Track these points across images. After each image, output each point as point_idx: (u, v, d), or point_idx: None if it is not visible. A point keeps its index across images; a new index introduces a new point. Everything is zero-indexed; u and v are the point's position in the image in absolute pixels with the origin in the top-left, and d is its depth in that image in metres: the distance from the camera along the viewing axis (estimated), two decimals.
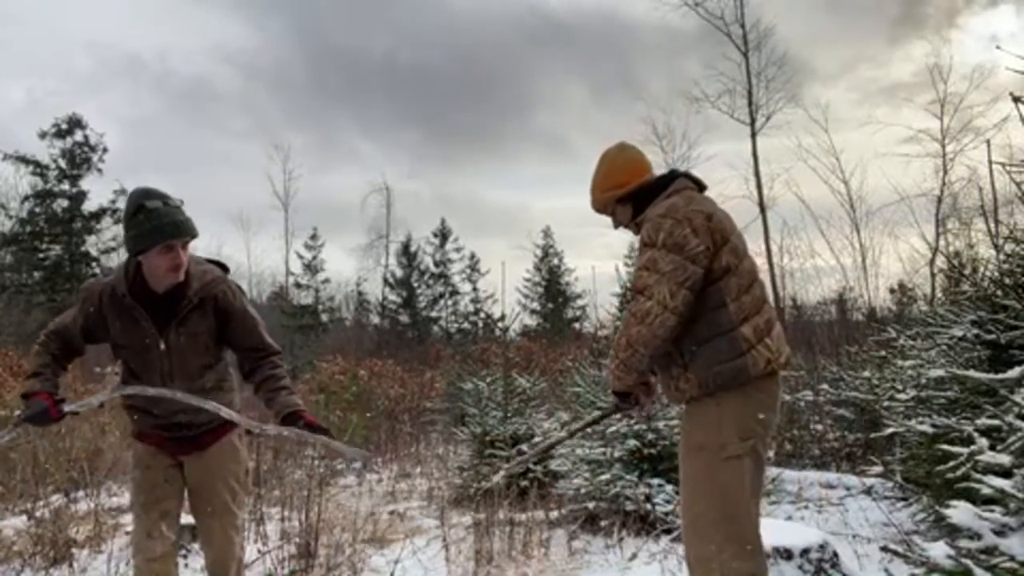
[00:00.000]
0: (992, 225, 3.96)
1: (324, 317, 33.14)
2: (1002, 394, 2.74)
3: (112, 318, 2.66)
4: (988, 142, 4.00)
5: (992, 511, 2.32)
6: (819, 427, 7.05)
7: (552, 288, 35.27)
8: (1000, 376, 2.84)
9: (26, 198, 27.00)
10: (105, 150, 27.70)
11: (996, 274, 3.78)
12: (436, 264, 35.86)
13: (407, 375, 15.28)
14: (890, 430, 4.22)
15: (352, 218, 63.62)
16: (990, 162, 3.68)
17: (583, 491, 5.06)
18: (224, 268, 2.85)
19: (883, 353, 6.50)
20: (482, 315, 34.53)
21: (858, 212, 23.67)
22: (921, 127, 23.92)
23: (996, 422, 2.64)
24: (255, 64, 46.52)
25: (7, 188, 27.36)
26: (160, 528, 2.70)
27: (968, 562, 2.12)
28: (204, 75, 46.84)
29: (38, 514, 5.08)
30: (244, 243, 40.82)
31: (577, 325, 33.11)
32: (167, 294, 2.64)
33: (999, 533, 2.27)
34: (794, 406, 7.03)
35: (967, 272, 5.18)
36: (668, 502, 4.72)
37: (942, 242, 19.54)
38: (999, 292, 3.71)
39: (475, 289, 35.92)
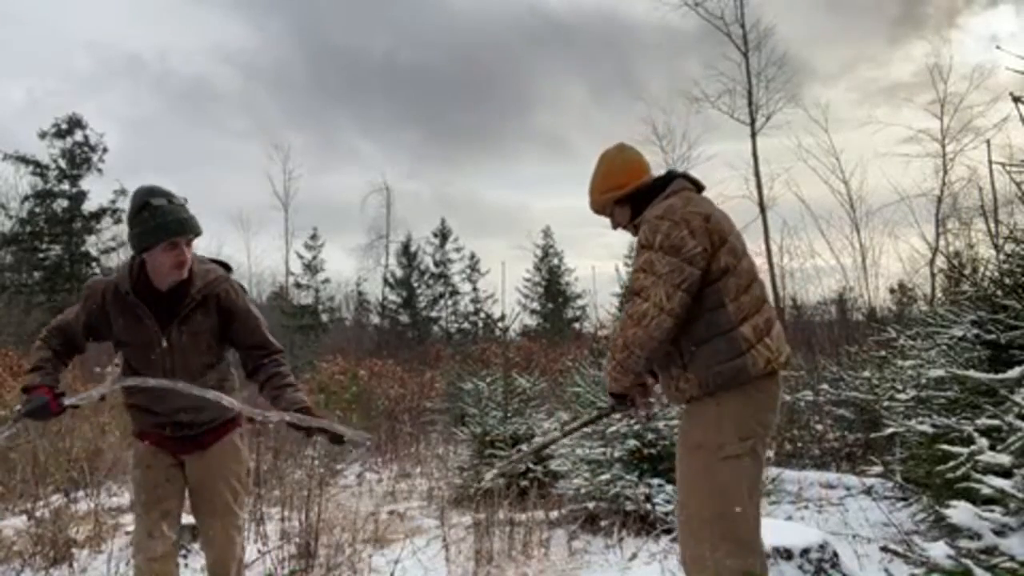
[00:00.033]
0: (992, 225, 3.96)
1: (324, 317, 33.14)
2: (1002, 394, 2.74)
3: (115, 315, 2.68)
4: (988, 142, 4.01)
5: (992, 511, 2.32)
6: (819, 427, 7.05)
7: (552, 288, 35.26)
8: (1000, 376, 2.84)
9: (26, 198, 27.01)
10: (105, 150, 27.72)
11: (996, 274, 3.78)
12: (436, 264, 35.88)
13: (407, 375, 15.28)
14: (890, 430, 4.22)
15: (352, 218, 63.63)
16: (990, 162, 3.69)
17: (583, 491, 5.06)
18: (227, 268, 2.87)
19: (883, 353, 6.50)
20: (482, 315, 34.56)
21: (858, 212, 23.70)
22: (921, 127, 23.95)
23: (996, 422, 2.65)
24: (255, 64, 46.55)
25: (7, 188, 27.39)
26: (161, 528, 2.70)
27: (968, 562, 2.12)
28: (204, 75, 46.87)
29: (38, 514, 5.08)
30: (244, 243, 40.84)
31: (577, 325, 33.09)
32: (170, 292, 2.66)
33: (999, 533, 2.27)
34: (794, 406, 7.03)
35: (967, 272, 5.19)
36: (668, 502, 4.72)
37: (942, 242, 19.59)
38: (999, 292, 3.71)
39: (475, 289, 35.96)
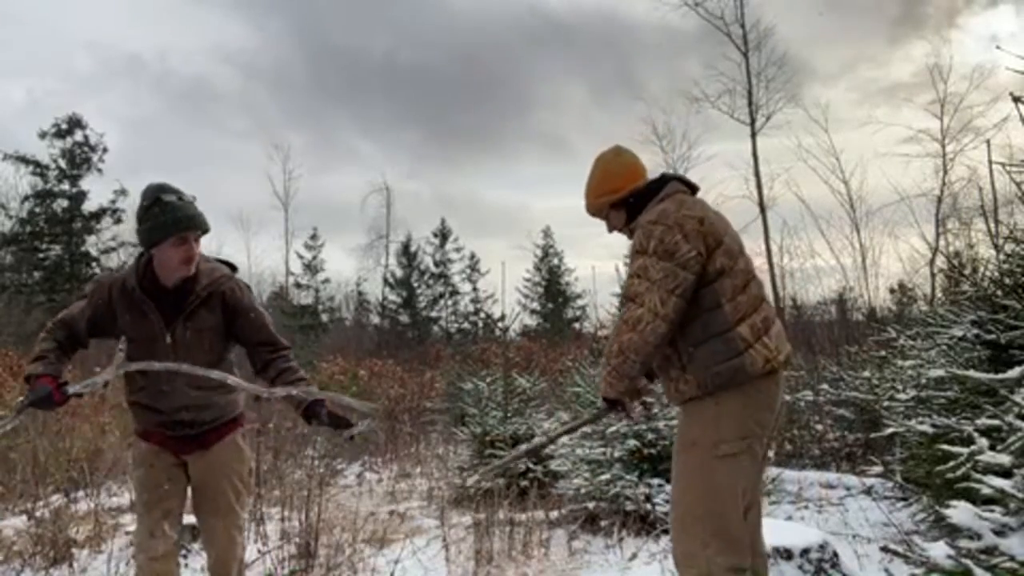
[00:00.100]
0: (992, 225, 3.96)
1: (324, 317, 33.15)
2: (1002, 394, 2.74)
3: (121, 311, 2.70)
4: (988, 142, 4.01)
5: (992, 511, 2.32)
6: (819, 427, 7.05)
7: (552, 288, 35.26)
8: (1000, 376, 2.84)
9: (26, 198, 27.02)
10: (105, 150, 27.75)
11: (996, 274, 3.78)
12: (436, 264, 35.88)
13: (407, 375, 15.27)
14: (890, 430, 4.22)
15: (352, 218, 63.54)
16: (990, 162, 3.69)
17: (583, 491, 5.06)
18: (232, 268, 2.90)
19: (883, 353, 6.50)
20: (482, 315, 34.58)
21: (858, 212, 23.71)
22: (921, 127, 23.97)
23: (996, 422, 2.64)
24: (255, 64, 46.49)
25: (7, 188, 27.41)
26: (163, 527, 2.70)
27: (968, 562, 2.12)
28: (204, 75, 46.81)
29: (38, 514, 5.09)
30: (244, 243, 40.62)
31: (577, 325, 33.10)
32: (176, 289, 2.69)
33: (999, 533, 2.27)
34: (794, 406, 7.03)
35: (967, 272, 5.19)
36: (668, 502, 4.71)
37: (942, 242, 19.60)
38: (999, 292, 3.71)
39: (475, 289, 35.96)
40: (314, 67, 46.65)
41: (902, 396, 4.64)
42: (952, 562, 2.16)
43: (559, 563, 4.38)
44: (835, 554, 3.54)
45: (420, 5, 45.93)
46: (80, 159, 27.36)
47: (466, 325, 35.14)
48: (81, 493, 5.94)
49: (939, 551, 2.25)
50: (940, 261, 16.69)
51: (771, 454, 6.48)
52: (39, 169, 26.90)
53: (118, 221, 27.48)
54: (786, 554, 3.44)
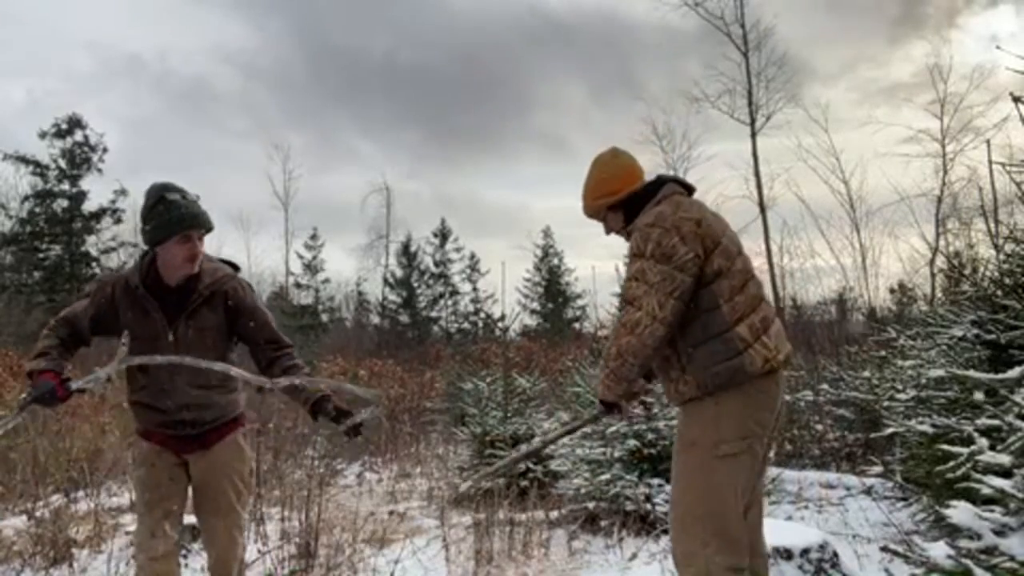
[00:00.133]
0: (992, 225, 3.96)
1: (324, 317, 33.14)
2: (1002, 394, 2.74)
3: (124, 309, 2.71)
4: (988, 142, 4.01)
5: (992, 511, 2.32)
6: (819, 427, 7.05)
7: (552, 288, 35.26)
8: (1000, 376, 2.84)
9: (26, 198, 27.02)
10: (105, 150, 27.75)
11: (996, 274, 3.78)
12: (436, 264, 35.88)
13: (407, 375, 15.27)
14: (890, 430, 4.23)
15: (352, 218, 63.53)
16: (990, 162, 3.69)
17: (583, 491, 5.06)
18: (235, 268, 2.91)
19: (883, 353, 6.50)
20: (482, 315, 34.56)
21: (858, 212, 23.77)
22: (921, 127, 24.01)
23: (996, 422, 2.64)
24: (255, 64, 46.48)
25: (7, 188, 27.41)
26: (163, 527, 2.71)
27: (968, 562, 2.12)
28: (204, 75, 46.83)
29: (38, 514, 5.08)
30: (244, 243, 40.55)
31: (577, 325, 33.09)
32: (179, 287, 2.70)
33: (999, 533, 2.27)
34: (794, 406, 7.02)
35: (967, 272, 5.19)
36: (668, 502, 4.71)
37: (942, 242, 19.61)
38: (999, 292, 3.71)
39: (475, 289, 35.95)
40: (314, 67, 46.68)
41: (902, 396, 4.64)
42: (952, 562, 2.16)
43: (559, 563, 4.38)
44: (835, 554, 3.54)
45: (420, 5, 46.02)
46: (80, 159, 27.36)
47: (466, 325, 35.15)
48: (81, 493, 5.94)
49: (939, 551, 2.25)
50: (940, 261, 16.71)
51: (771, 454, 6.48)
52: (39, 169, 26.91)
53: (118, 221, 27.52)
54: (786, 554, 3.44)
